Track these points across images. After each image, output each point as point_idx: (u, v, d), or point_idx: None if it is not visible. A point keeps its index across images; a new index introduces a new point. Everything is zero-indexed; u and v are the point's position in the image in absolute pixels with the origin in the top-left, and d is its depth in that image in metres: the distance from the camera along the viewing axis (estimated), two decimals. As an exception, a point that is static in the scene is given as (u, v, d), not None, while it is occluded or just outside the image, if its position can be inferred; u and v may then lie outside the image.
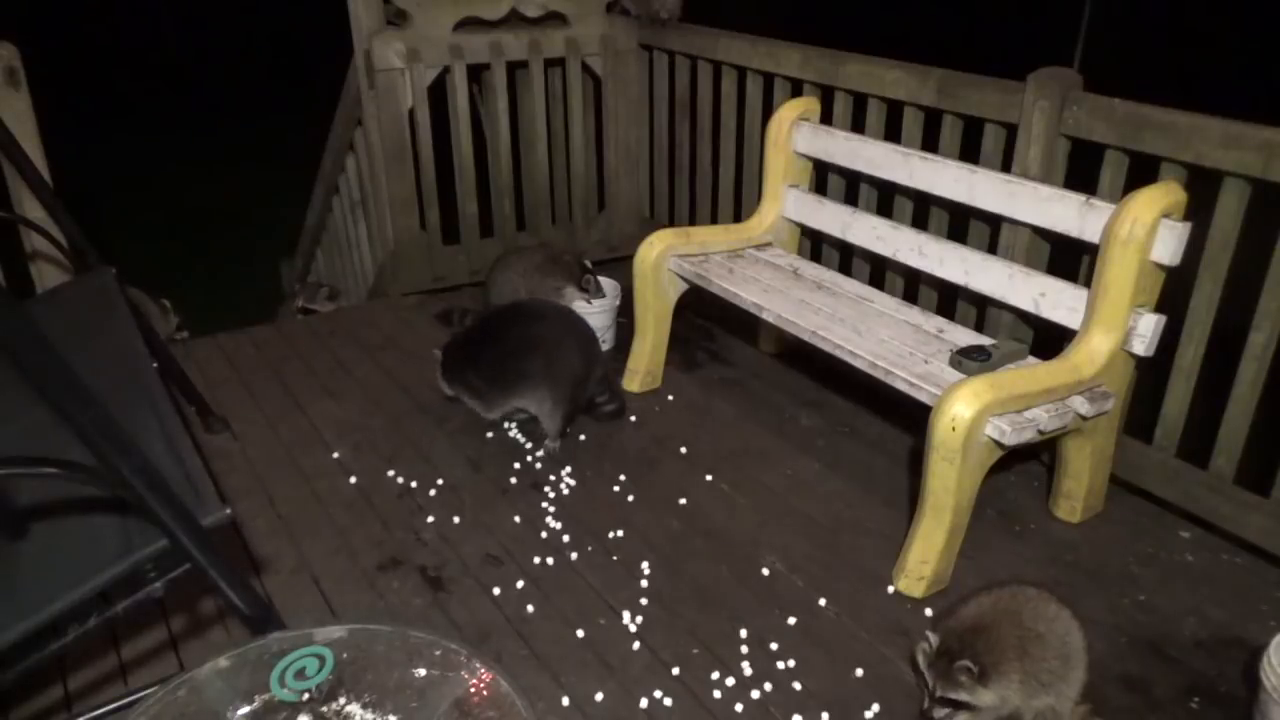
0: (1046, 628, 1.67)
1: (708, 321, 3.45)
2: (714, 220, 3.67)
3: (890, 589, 2.16)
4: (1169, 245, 2.04)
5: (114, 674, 1.90)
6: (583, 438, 2.76)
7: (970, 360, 2.24)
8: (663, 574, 2.20)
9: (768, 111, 3.17)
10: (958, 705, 1.66)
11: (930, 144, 2.69)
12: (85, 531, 1.52)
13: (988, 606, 1.69)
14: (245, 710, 1.16)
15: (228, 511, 1.50)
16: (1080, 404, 2.09)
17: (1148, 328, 2.11)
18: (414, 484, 2.54)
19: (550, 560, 2.24)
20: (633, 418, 2.85)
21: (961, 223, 2.64)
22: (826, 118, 3.00)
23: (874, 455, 2.69)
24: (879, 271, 2.93)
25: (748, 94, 3.35)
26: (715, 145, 3.58)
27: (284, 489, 2.52)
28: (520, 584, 2.17)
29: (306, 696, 1.16)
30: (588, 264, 3.18)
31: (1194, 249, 2.11)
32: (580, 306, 3.03)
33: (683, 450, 2.70)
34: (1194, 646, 2.00)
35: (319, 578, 2.19)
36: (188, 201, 7.95)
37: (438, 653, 1.21)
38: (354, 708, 1.18)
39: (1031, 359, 2.32)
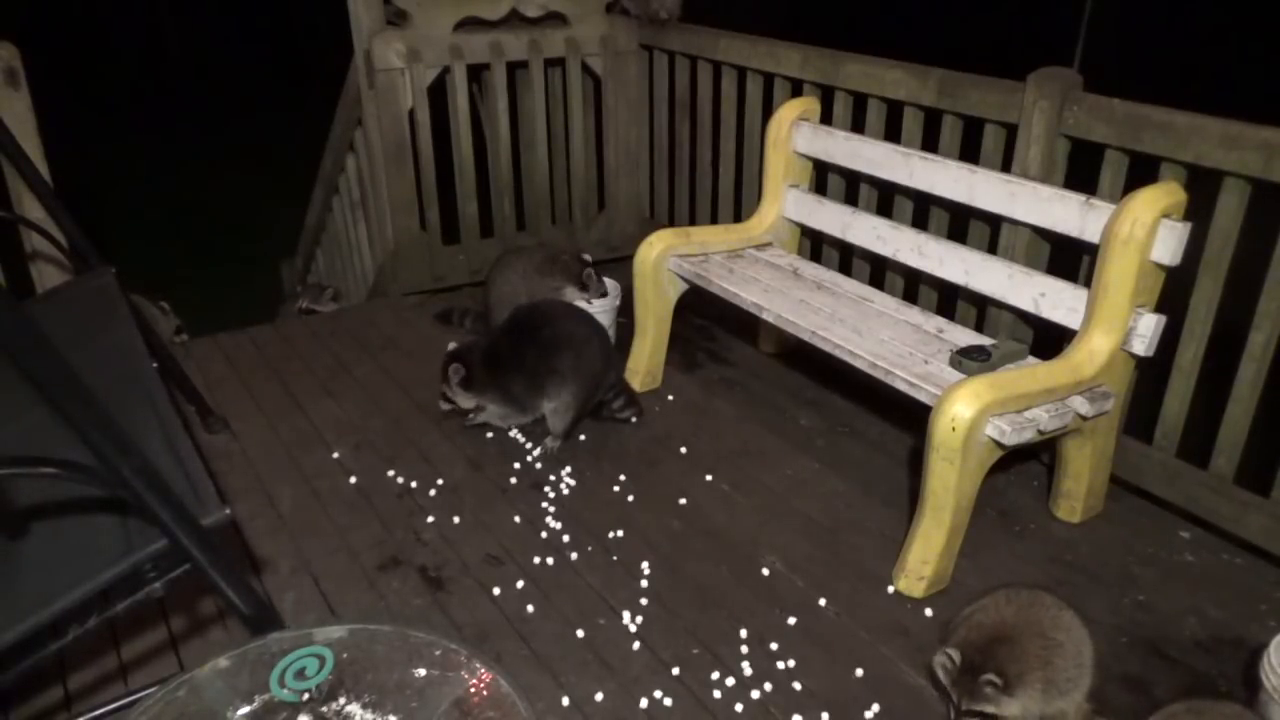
0: (1065, 636, 1.68)
1: (708, 321, 3.45)
2: (714, 220, 3.67)
3: (890, 589, 2.16)
4: (1169, 245, 2.04)
5: (114, 674, 1.90)
6: (583, 438, 2.76)
7: (970, 360, 2.23)
8: (663, 574, 2.20)
9: (768, 111, 3.17)
10: (984, 717, 1.66)
11: (930, 144, 2.69)
12: (85, 531, 1.53)
13: (1009, 616, 1.69)
14: (245, 710, 1.16)
15: (228, 511, 1.50)
16: (1080, 404, 2.09)
17: (1148, 328, 2.11)
18: (414, 484, 2.54)
19: (550, 560, 2.24)
20: (634, 418, 2.85)
21: (961, 223, 2.64)
22: (826, 118, 3.00)
23: (874, 455, 2.69)
24: (879, 271, 2.93)
25: (748, 94, 3.35)
26: (715, 145, 3.58)
27: (284, 489, 2.52)
28: (520, 584, 2.17)
29: (306, 696, 1.16)
30: (587, 258, 3.17)
31: (1194, 249, 2.11)
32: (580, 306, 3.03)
33: (683, 450, 2.70)
34: (1194, 646, 2.00)
35: (319, 578, 2.19)
36: (188, 201, 7.95)
37: (438, 653, 1.21)
38: (354, 708, 1.18)
39: (1031, 359, 2.32)
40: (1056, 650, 1.66)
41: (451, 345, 2.74)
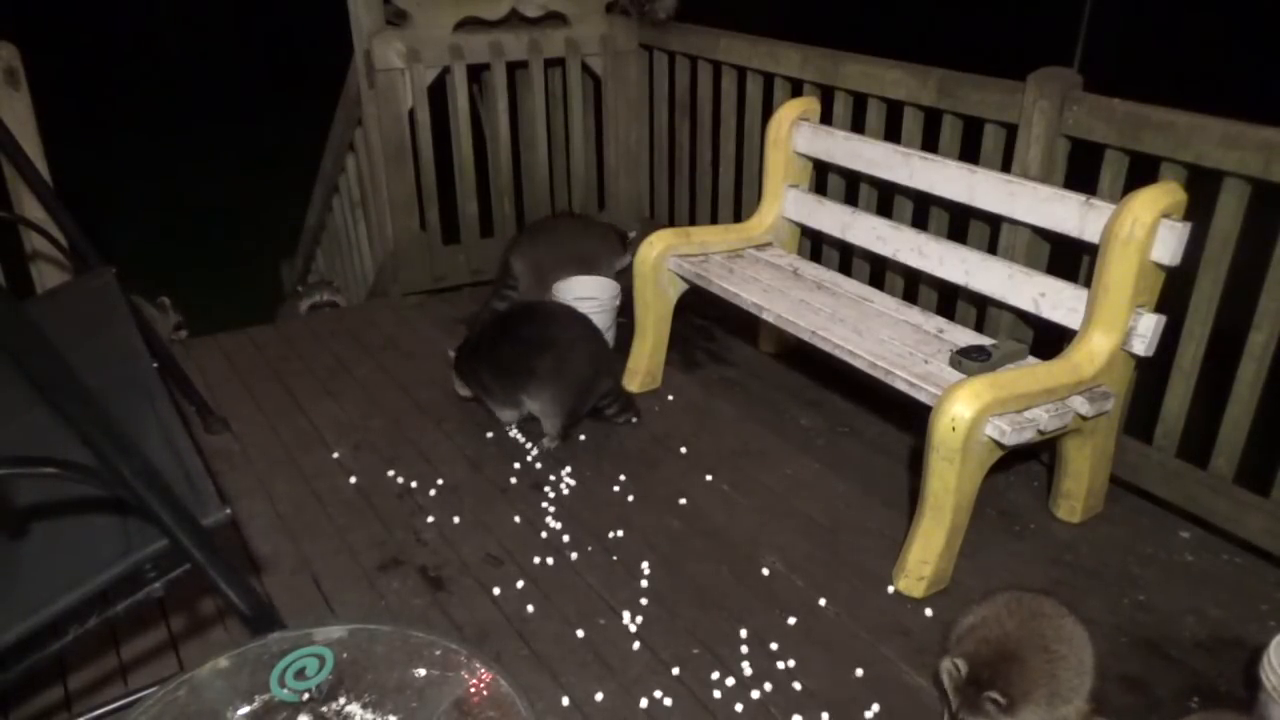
0: (1068, 647, 1.68)
1: (708, 321, 3.45)
2: (714, 220, 3.67)
3: (890, 589, 2.16)
4: (1169, 245, 2.04)
5: (114, 674, 1.90)
6: (583, 438, 2.76)
7: (970, 360, 2.23)
8: (663, 574, 2.20)
9: (768, 111, 3.17)
10: None
11: (930, 144, 2.69)
12: (85, 531, 1.52)
13: (1012, 630, 1.69)
14: (245, 710, 1.16)
15: (228, 511, 1.50)
16: (1080, 404, 2.09)
17: (1148, 328, 2.11)
18: (414, 484, 2.54)
19: (550, 560, 2.24)
20: (632, 420, 2.85)
21: (961, 223, 2.64)
22: (826, 118, 3.00)
23: (874, 455, 2.69)
24: (879, 271, 2.93)
25: (748, 94, 3.35)
26: (715, 145, 3.58)
27: (284, 489, 2.52)
28: (520, 584, 2.17)
29: (306, 696, 1.16)
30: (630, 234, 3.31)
31: (1194, 249, 2.11)
32: (580, 306, 3.03)
33: (683, 450, 2.70)
34: (1194, 646, 2.00)
35: (319, 578, 2.19)
36: (188, 201, 7.95)
37: (438, 653, 1.21)
38: (354, 708, 1.18)
39: (1031, 359, 2.32)
40: (1060, 663, 1.66)
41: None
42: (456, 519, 2.39)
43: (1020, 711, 1.64)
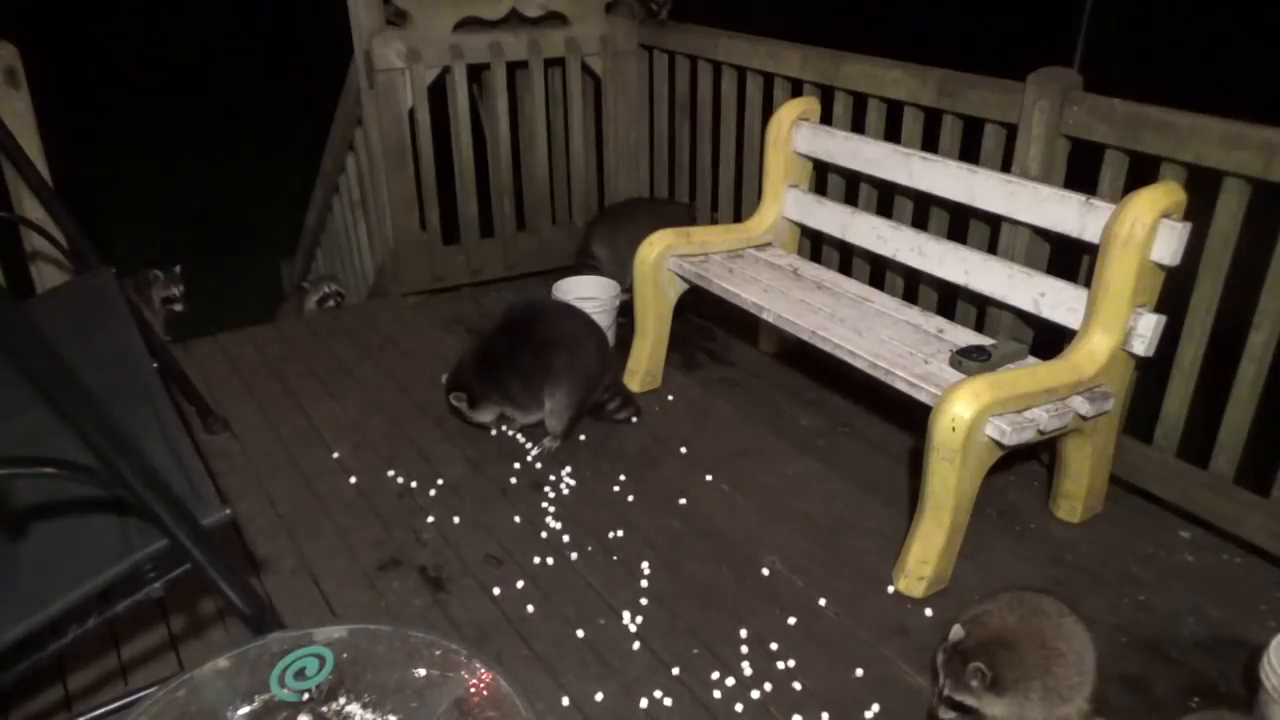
0: (1067, 645, 1.68)
1: (708, 321, 3.45)
2: (714, 220, 3.67)
3: (890, 589, 2.16)
4: (1169, 245, 2.04)
5: (114, 674, 1.90)
6: (583, 438, 2.76)
7: (970, 360, 2.23)
8: (663, 574, 2.20)
9: (768, 111, 3.17)
10: (964, 709, 1.66)
11: (930, 144, 2.69)
12: (85, 531, 1.53)
13: (1012, 623, 1.69)
14: (245, 710, 1.16)
15: (228, 511, 1.50)
16: (1080, 404, 2.09)
17: (1148, 328, 2.11)
18: (414, 484, 2.54)
19: (550, 560, 2.24)
20: (633, 418, 2.85)
21: (961, 223, 2.64)
22: (826, 118, 3.00)
23: (874, 455, 2.69)
24: (879, 271, 2.93)
25: (748, 94, 3.35)
26: (715, 145, 3.58)
27: (284, 489, 2.52)
28: (520, 584, 2.17)
29: (306, 696, 1.16)
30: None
31: (1194, 249, 2.11)
32: (581, 306, 3.03)
33: (683, 450, 2.70)
34: (1194, 646, 2.00)
35: (319, 578, 2.19)
36: (188, 201, 7.95)
37: (438, 653, 1.21)
38: (354, 708, 1.18)
39: (1031, 359, 2.32)
40: (1058, 659, 1.66)
41: (443, 377, 2.76)
42: (456, 519, 2.39)
43: (1009, 697, 1.64)
